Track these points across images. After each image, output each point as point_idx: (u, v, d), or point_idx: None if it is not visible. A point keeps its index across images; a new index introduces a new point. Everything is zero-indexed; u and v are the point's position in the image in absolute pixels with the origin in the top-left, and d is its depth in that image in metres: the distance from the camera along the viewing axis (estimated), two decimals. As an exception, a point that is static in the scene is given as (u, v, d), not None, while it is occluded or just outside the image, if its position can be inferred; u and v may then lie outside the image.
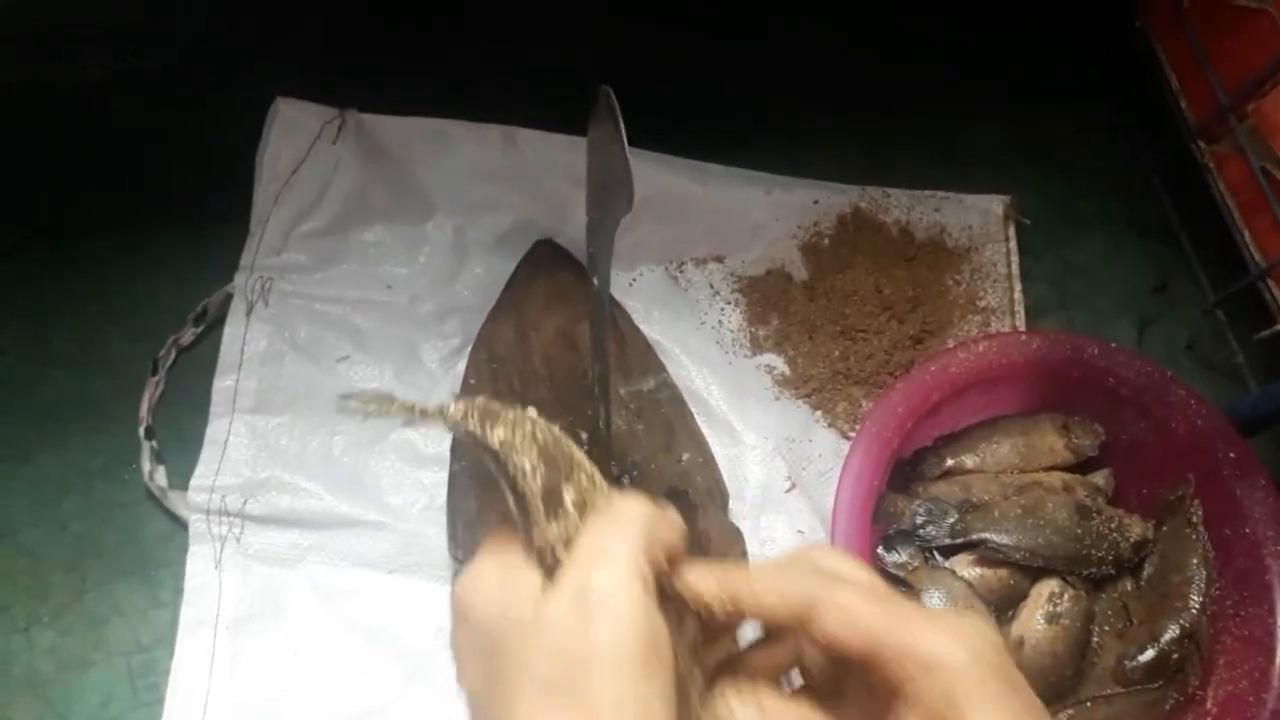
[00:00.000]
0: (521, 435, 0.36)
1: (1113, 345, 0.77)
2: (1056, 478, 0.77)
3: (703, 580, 0.34)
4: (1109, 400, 0.77)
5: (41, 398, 0.77)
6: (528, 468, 0.36)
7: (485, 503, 0.74)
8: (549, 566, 0.35)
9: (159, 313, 0.80)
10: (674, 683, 0.31)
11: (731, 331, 0.85)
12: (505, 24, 0.94)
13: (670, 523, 0.35)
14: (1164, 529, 0.74)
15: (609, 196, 0.55)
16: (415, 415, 0.38)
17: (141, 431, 0.75)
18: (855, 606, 0.32)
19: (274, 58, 0.88)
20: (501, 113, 0.84)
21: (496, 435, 0.37)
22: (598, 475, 0.38)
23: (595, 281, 0.59)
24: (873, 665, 0.32)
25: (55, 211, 0.84)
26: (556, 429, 0.38)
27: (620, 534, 0.33)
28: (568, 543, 0.35)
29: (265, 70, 0.85)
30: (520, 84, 0.91)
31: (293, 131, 0.80)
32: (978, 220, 0.89)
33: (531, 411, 0.38)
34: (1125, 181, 0.94)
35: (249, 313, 0.78)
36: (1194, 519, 0.72)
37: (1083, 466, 0.79)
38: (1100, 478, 0.78)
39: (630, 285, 0.85)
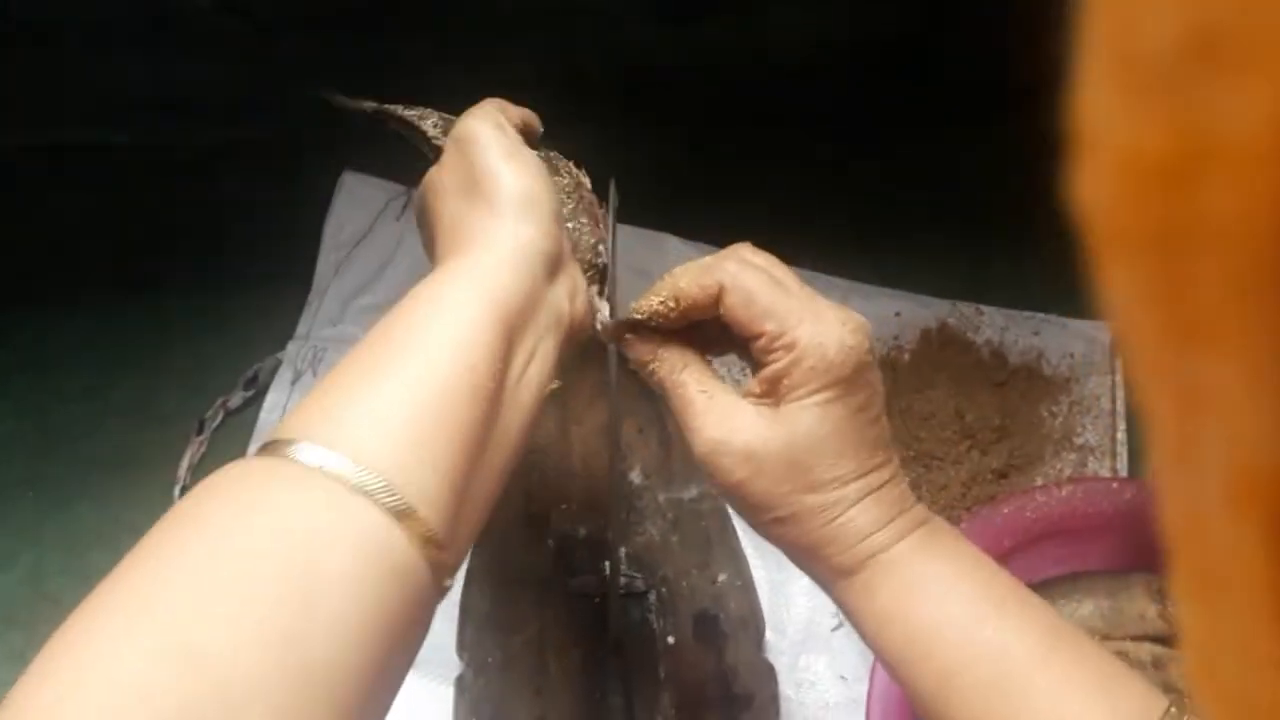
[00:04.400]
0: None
1: (1223, 505, 0.67)
2: (1146, 650, 0.67)
3: (648, 299, 0.45)
4: (1216, 568, 0.67)
5: (90, 447, 0.78)
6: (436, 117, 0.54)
7: (500, 602, 0.70)
8: None
9: (216, 373, 0.80)
10: (535, 160, 0.46)
11: (793, 445, 0.79)
12: (594, 119, 0.93)
13: (511, 107, 0.51)
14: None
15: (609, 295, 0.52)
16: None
17: (176, 492, 0.75)
18: (754, 290, 0.41)
19: (364, 137, 0.89)
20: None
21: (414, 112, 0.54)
22: None
23: (607, 379, 0.55)
24: (756, 339, 0.42)
25: (140, 267, 0.86)
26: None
27: (476, 109, 0.48)
28: None
29: (354, 147, 0.87)
30: (597, 175, 0.89)
31: (357, 205, 0.80)
32: (1082, 348, 0.80)
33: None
34: (1260, 317, 0.84)
35: (294, 382, 0.77)
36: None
37: (1179, 641, 0.68)
38: (1201, 657, 0.67)
39: (689, 386, 0.81)
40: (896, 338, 0.81)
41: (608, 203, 0.52)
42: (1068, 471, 0.77)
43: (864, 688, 0.71)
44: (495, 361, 0.39)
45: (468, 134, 0.45)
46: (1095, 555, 0.70)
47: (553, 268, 0.44)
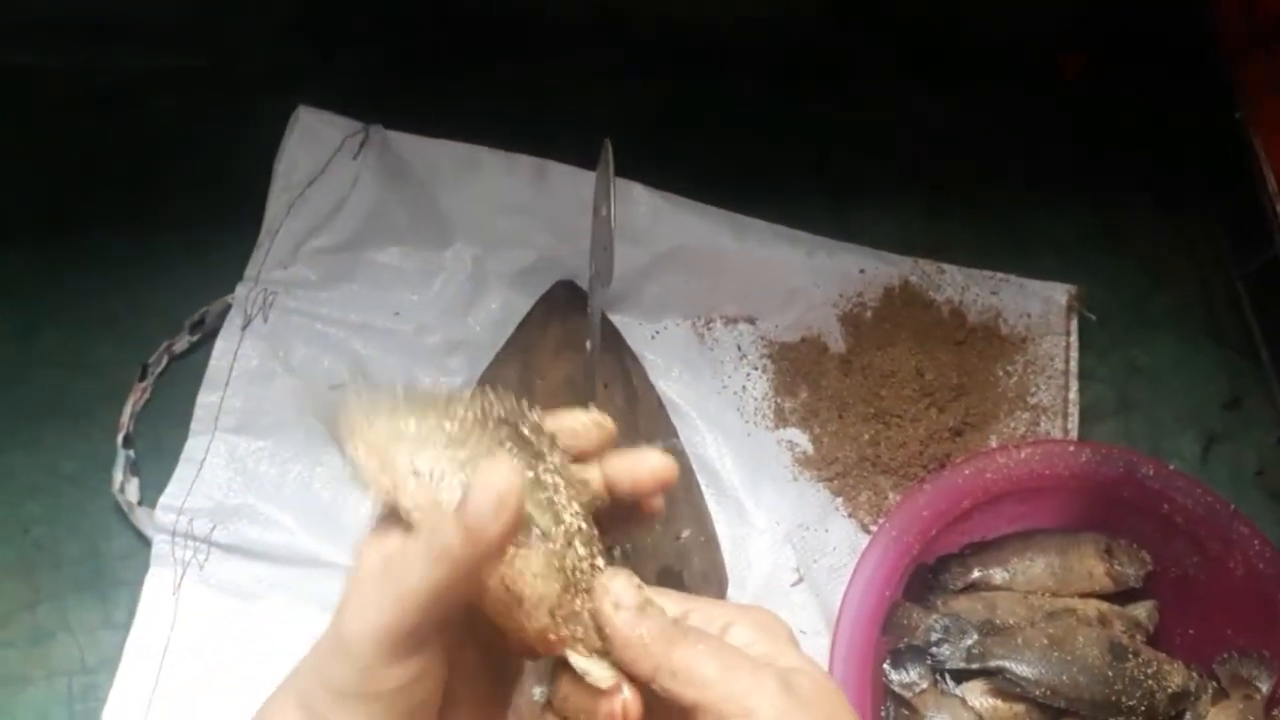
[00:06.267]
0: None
1: (1171, 468, 0.70)
2: (1093, 606, 0.70)
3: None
4: (1161, 527, 0.70)
5: (22, 394, 0.74)
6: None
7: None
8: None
9: (158, 318, 0.76)
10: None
11: (755, 400, 0.79)
12: (561, 63, 0.89)
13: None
14: (1232, 704, 0.66)
15: (598, 258, 0.50)
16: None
17: (119, 439, 0.72)
18: (692, 670, 0.33)
19: (317, 69, 0.84)
20: (540, 149, 0.80)
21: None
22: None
23: (589, 344, 0.54)
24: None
25: (70, 203, 0.81)
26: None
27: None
28: None
29: (305, 79, 0.82)
30: (563, 122, 0.85)
31: (312, 141, 0.76)
32: (1038, 308, 0.82)
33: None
34: (1206, 284, 0.86)
35: (245, 327, 0.74)
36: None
37: (1123, 597, 0.71)
38: (1142, 611, 0.71)
39: (653, 338, 0.80)
40: (860, 294, 0.81)
41: (601, 161, 0.49)
42: (1020, 431, 0.79)
43: (824, 641, 0.72)
44: None
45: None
46: (1048, 514, 0.72)
47: None
